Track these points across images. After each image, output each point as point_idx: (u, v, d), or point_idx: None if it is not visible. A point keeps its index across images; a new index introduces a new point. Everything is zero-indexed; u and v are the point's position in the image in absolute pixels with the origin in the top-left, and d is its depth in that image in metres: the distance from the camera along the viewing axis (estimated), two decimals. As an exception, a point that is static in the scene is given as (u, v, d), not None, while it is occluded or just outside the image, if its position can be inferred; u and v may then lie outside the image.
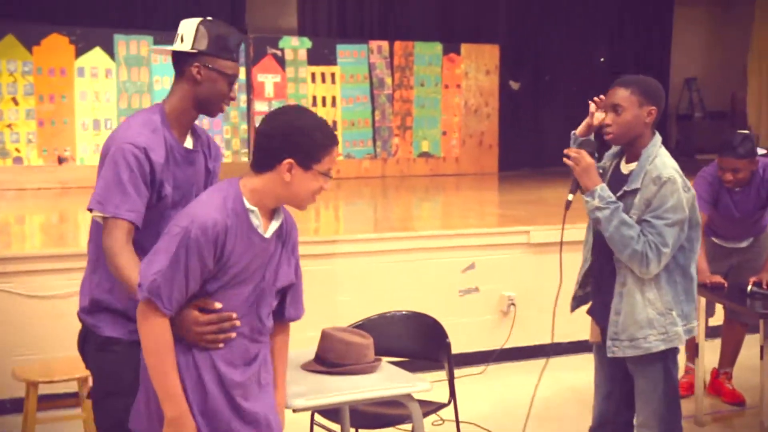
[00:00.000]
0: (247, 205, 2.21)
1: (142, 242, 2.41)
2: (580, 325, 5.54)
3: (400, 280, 5.23)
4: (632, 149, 3.06)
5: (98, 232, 2.46)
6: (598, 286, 3.16)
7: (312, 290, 4.87)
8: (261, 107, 9.49)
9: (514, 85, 11.17)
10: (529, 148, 11.23)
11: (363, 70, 9.93)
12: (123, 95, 8.84)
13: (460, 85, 10.43)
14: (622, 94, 3.00)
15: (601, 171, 3.11)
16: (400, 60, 10.10)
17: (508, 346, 5.43)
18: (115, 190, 2.37)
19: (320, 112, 9.75)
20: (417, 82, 10.20)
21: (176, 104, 2.53)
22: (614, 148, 3.22)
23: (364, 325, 3.48)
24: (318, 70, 9.74)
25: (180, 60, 2.52)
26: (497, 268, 5.45)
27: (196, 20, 2.52)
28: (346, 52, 9.86)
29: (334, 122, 9.81)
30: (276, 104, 9.57)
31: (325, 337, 2.89)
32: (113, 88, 8.80)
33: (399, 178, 10.08)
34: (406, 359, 3.67)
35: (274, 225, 2.27)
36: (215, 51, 2.49)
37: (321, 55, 9.73)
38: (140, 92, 8.90)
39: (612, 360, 3.11)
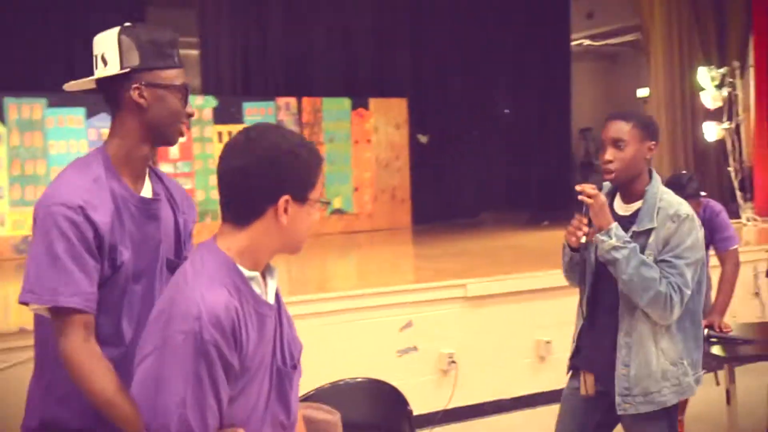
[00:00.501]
0: (246, 273, 1.70)
1: (101, 330, 1.89)
2: (518, 381, 5.38)
3: (336, 342, 4.91)
4: (632, 187, 2.83)
5: (41, 327, 1.94)
6: (593, 337, 2.90)
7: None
8: (166, 170, 9.07)
9: (423, 139, 11.12)
10: (440, 200, 11.16)
11: (271, 128, 9.65)
12: (15, 162, 8.27)
13: (371, 140, 10.28)
14: (623, 128, 2.78)
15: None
16: (309, 116, 9.89)
17: (451, 406, 5.16)
18: (49, 270, 1.82)
19: (228, 172, 9.39)
20: (326, 138, 9.99)
21: (121, 143, 1.99)
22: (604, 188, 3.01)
23: (315, 396, 3.16)
24: (225, 129, 9.40)
25: (110, 88, 2.00)
26: (435, 325, 5.20)
27: (114, 31, 1.99)
28: (253, 109, 9.58)
29: (243, 182, 9.45)
30: (182, 166, 9.18)
31: (287, 415, 2.56)
32: (4, 154, 8.23)
33: (312, 236, 9.72)
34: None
35: (272, 285, 1.81)
36: (153, 61, 1.97)
37: (227, 114, 9.41)
38: (34, 158, 8.35)
39: (588, 411, 2.90)
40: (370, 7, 10.73)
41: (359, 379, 3.36)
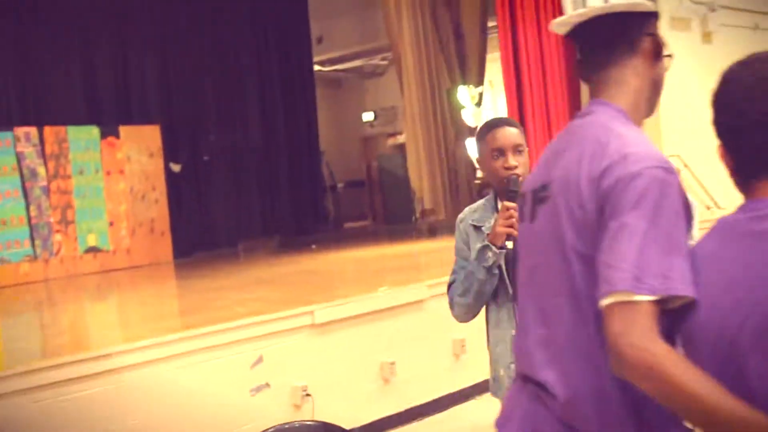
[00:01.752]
0: None
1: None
2: (366, 406, 5.19)
3: (186, 387, 4.39)
4: None
5: (591, 323, 1.45)
6: None
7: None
8: None
9: (175, 167, 10.51)
10: (198, 232, 10.62)
11: (10, 161, 8.56)
12: None
13: (123, 171, 9.50)
14: (517, 133, 2.80)
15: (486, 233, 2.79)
16: (53, 147, 8.90)
17: (308, 442, 4.83)
18: (659, 249, 1.36)
19: (-37, 213, 8.17)
20: (75, 170, 9.06)
21: (632, 99, 1.57)
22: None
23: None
24: (-45, 163, 8.18)
25: (625, 24, 1.57)
26: (285, 357, 4.85)
27: None
28: (-13, 140, 8.43)
29: (-18, 223, 8.27)
30: None
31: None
32: None
33: (65, 279, 8.79)
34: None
35: None
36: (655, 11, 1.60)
37: (-43, 146, 8.20)
38: None
39: None
40: (111, 24, 9.97)
41: (309, 423, 3.00)
